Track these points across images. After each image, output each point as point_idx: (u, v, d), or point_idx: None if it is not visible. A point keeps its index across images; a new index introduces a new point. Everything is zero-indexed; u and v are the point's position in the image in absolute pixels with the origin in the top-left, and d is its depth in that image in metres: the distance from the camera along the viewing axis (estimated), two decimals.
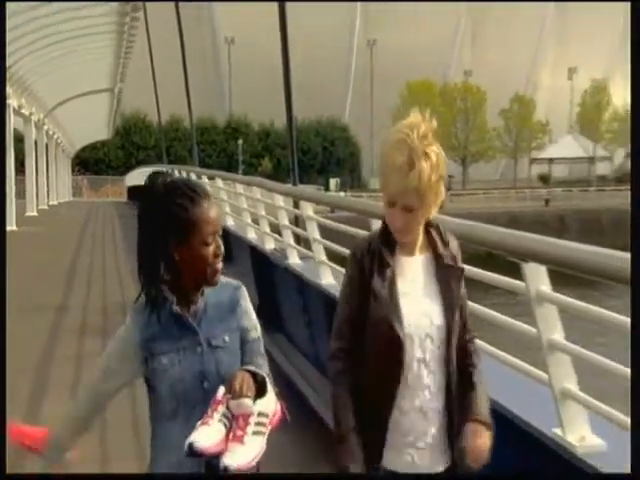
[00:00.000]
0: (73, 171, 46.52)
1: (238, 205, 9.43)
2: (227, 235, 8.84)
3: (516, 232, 2.70)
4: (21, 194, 21.54)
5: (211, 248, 1.76)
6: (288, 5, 8.09)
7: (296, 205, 6.78)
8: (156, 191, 1.78)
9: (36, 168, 24.16)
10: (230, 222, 9.91)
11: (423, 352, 1.84)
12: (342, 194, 39.27)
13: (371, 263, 1.85)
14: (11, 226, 16.50)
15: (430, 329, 1.85)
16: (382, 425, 1.84)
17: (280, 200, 7.02)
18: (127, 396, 2.13)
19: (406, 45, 64.62)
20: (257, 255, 7.89)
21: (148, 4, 18.43)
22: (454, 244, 1.94)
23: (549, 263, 2.48)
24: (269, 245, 7.53)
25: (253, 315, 1.88)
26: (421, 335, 1.84)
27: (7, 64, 14.59)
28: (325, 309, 5.14)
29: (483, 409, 1.90)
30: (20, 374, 5.29)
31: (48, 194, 28.35)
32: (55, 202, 30.39)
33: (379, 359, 1.84)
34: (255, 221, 8.47)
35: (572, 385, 2.50)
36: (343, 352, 1.87)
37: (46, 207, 26.16)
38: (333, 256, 5.41)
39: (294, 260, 6.43)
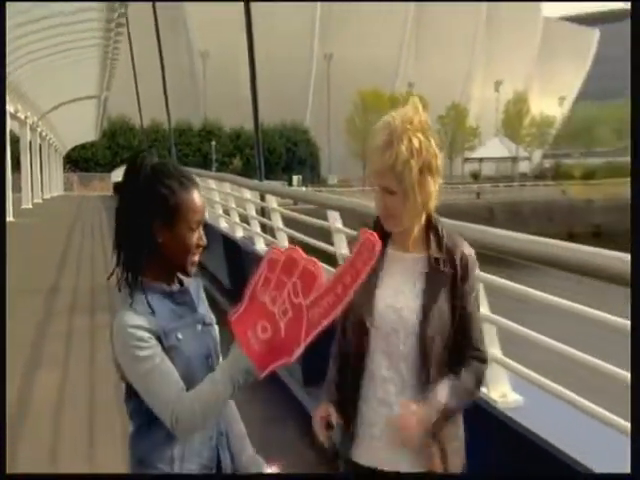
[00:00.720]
0: (64, 168, 45.40)
1: (211, 198, 9.34)
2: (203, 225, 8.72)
3: (447, 220, 2.71)
4: (17, 189, 21.04)
5: (195, 236, 1.48)
6: (254, 15, 7.90)
7: (262, 198, 6.76)
8: (143, 169, 1.46)
9: (31, 166, 23.62)
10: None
11: (387, 345, 1.60)
12: (304, 189, 39.17)
13: None
14: (9, 217, 16.15)
15: (397, 324, 1.59)
16: (349, 414, 1.64)
17: (248, 194, 6.99)
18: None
19: (358, 59, 64.86)
20: (228, 242, 7.83)
21: (131, 22, 18.04)
22: (460, 249, 1.64)
23: (476, 247, 2.51)
24: (239, 233, 7.49)
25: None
26: (387, 328, 1.60)
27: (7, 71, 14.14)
28: None
29: (441, 398, 1.56)
30: (16, 349, 5.17)
31: (42, 189, 27.66)
32: (48, 196, 29.73)
33: (348, 347, 1.64)
34: (226, 212, 8.41)
35: (496, 351, 2.55)
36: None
37: (40, 200, 25.58)
38: (295, 243, 5.41)
39: (260, 246, 6.41)
